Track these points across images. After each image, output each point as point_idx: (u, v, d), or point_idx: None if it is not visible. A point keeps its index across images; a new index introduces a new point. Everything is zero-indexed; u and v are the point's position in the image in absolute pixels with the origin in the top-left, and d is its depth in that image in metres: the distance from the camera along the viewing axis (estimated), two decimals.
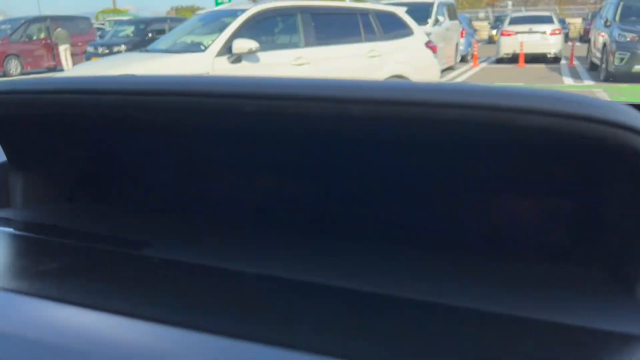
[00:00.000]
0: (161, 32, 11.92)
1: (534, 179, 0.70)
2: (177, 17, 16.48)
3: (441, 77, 7.59)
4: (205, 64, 4.58)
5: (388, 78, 5.03)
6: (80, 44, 14.15)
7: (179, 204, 0.88)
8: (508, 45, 11.77)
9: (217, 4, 10.95)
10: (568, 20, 25.75)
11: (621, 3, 8.74)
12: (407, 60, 5.52)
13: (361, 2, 7.69)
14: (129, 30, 13.31)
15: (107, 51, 11.40)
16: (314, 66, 4.96)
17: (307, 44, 5.13)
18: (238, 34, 4.76)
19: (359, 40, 5.41)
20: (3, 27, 14.43)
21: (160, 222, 0.80)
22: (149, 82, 0.60)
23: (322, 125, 0.54)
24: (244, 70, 4.65)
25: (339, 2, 6.68)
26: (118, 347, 0.41)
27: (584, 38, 16.74)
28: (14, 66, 13.67)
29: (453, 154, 0.73)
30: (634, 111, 0.48)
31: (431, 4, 9.72)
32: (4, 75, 13.10)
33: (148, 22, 13.79)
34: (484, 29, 23.13)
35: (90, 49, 12.19)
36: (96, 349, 0.41)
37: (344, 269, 0.60)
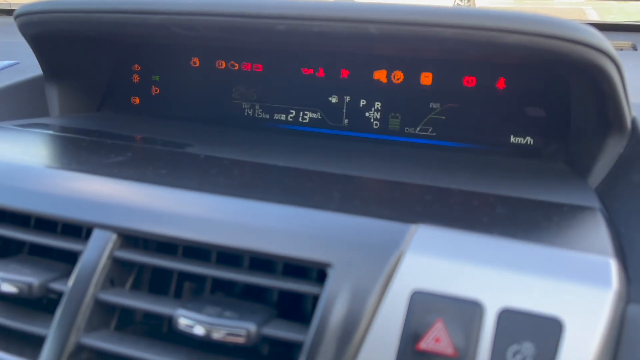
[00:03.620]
0: None
1: (516, 90, 0.82)
2: None
3: None
4: None
5: None
6: None
7: (199, 114, 0.99)
8: None
9: None
10: None
11: None
12: None
13: None
14: None
15: None
16: None
17: None
18: None
19: None
20: None
21: (185, 129, 0.91)
22: (189, 2, 0.69)
23: (339, 42, 0.65)
24: None
25: None
26: (193, 215, 0.54)
27: None
28: None
29: (451, 66, 0.84)
30: (594, 30, 0.59)
31: None
32: None
33: None
34: None
35: None
36: (174, 217, 0.54)
37: (343, 162, 0.73)
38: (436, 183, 0.64)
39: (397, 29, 0.60)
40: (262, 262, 0.53)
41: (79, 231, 0.57)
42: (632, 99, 0.67)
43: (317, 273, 0.51)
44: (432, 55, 0.81)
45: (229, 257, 0.53)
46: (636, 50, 1.13)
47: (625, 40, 1.16)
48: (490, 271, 0.47)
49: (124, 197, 0.56)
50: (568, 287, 0.46)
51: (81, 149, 0.72)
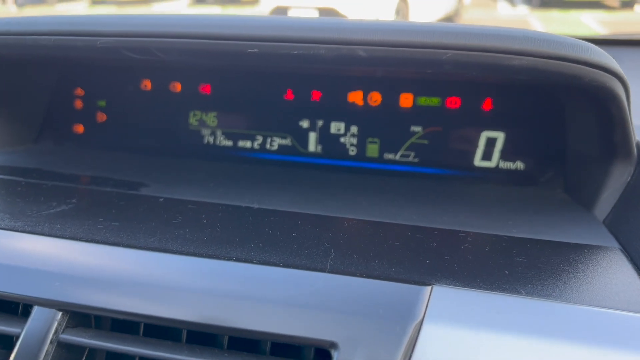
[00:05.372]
0: None
1: (503, 111, 0.76)
2: None
3: None
4: None
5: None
6: None
7: (153, 144, 0.88)
8: None
9: None
10: None
11: None
12: None
13: None
14: None
15: None
16: None
17: None
18: None
19: None
20: None
21: (138, 163, 0.80)
22: (139, 23, 0.59)
23: (321, 65, 0.56)
24: None
25: None
26: (156, 283, 0.44)
27: None
28: None
29: (433, 87, 0.77)
30: (604, 51, 0.53)
31: None
32: None
33: None
34: None
35: None
36: (132, 287, 0.44)
37: (324, 198, 0.65)
38: (435, 223, 0.57)
39: (389, 52, 0.52)
40: (244, 339, 0.43)
41: (15, 309, 0.46)
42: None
43: (314, 350, 0.43)
44: (416, 76, 0.74)
45: (203, 335, 0.44)
46: None
47: None
48: (526, 341, 0.39)
49: (70, 264, 0.46)
50: (616, 357, 0.39)
51: (15, 195, 0.61)
